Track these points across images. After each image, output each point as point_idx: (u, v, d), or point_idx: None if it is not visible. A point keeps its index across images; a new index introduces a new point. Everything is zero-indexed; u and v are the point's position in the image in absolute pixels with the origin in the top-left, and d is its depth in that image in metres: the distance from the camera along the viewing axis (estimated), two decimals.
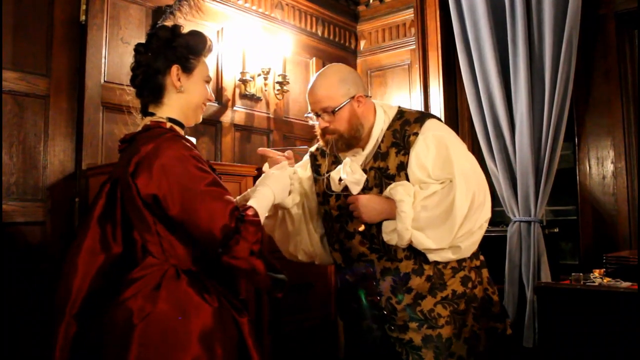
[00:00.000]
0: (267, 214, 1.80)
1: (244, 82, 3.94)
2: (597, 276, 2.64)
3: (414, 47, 4.48)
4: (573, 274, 2.59)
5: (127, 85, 3.31)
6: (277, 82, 4.13)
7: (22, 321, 2.70)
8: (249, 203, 1.72)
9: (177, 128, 1.80)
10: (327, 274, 3.58)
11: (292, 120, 4.34)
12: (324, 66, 4.58)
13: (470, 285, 2.09)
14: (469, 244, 1.99)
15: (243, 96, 3.98)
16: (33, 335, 2.66)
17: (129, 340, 1.52)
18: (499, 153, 3.73)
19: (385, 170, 2.05)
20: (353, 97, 2.04)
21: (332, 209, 2.14)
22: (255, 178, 3.20)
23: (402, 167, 2.03)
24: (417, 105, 4.41)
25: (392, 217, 1.97)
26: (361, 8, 4.97)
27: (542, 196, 3.57)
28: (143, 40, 3.16)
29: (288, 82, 4.16)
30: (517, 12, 3.66)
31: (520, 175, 3.63)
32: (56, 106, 3.03)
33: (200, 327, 1.57)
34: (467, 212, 1.92)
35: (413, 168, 2.01)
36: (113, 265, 1.67)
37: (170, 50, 1.80)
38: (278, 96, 4.16)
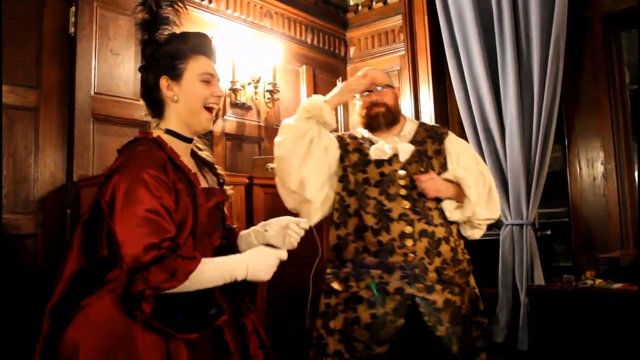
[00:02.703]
0: (220, 283, 1.65)
1: (234, 91, 3.95)
2: (588, 278, 2.65)
3: (404, 53, 4.50)
4: (565, 275, 2.61)
5: (117, 96, 3.33)
6: (268, 91, 4.14)
7: (12, 333, 2.68)
8: (218, 259, 1.67)
9: (167, 139, 1.76)
10: (319, 282, 3.58)
11: None
12: (314, 74, 4.66)
13: (470, 269, 2.42)
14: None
15: (233, 105, 3.99)
16: (24, 348, 2.63)
17: None
18: (489, 156, 3.74)
19: (425, 152, 2.43)
20: (394, 87, 2.55)
21: (372, 175, 2.36)
22: (247, 187, 3.20)
23: (439, 153, 2.46)
24: (407, 110, 4.42)
25: (450, 196, 2.35)
26: (350, 15, 4.99)
27: (533, 199, 3.59)
28: (132, 51, 3.17)
29: (278, 91, 4.17)
30: (505, 16, 3.69)
31: (511, 178, 3.64)
32: (46, 118, 3.03)
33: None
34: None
35: (460, 153, 2.47)
36: (96, 266, 1.64)
37: (155, 63, 1.79)
38: (269, 104, 4.17)
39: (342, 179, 2.40)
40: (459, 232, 2.45)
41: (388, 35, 4.76)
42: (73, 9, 3.17)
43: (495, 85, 3.78)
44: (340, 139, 2.49)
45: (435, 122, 4.21)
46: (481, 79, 3.79)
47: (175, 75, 1.78)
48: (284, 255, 1.76)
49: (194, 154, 1.93)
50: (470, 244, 2.49)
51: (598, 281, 2.60)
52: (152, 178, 1.60)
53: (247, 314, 1.85)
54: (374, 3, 4.83)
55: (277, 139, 2.41)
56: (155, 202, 1.57)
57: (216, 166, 1.98)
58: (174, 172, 1.68)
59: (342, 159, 2.43)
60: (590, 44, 3.72)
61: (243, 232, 2.00)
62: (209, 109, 1.81)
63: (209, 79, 1.80)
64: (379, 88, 2.47)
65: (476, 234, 2.46)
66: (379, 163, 2.37)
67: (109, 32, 3.32)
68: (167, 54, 1.79)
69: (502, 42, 3.72)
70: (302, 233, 1.91)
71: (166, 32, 1.86)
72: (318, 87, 4.69)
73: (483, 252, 3.68)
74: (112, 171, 1.64)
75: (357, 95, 2.51)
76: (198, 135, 1.96)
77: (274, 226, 1.91)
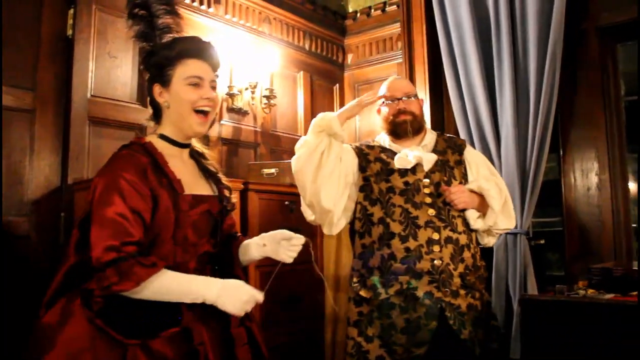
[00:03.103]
0: (183, 300, 1.63)
1: (231, 95, 3.95)
2: (581, 288, 2.66)
3: (401, 60, 4.51)
4: (557, 285, 2.62)
5: (113, 100, 3.33)
6: (265, 96, 4.14)
7: (5, 334, 2.66)
8: (186, 276, 1.66)
9: (160, 144, 1.80)
10: (315, 287, 3.58)
11: (279, 133, 4.36)
12: (311, 80, 4.67)
13: (486, 275, 2.54)
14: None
15: (230, 110, 3.99)
16: (17, 349, 2.63)
17: None
18: None
19: (447, 162, 2.52)
20: (419, 98, 2.66)
21: (397, 184, 2.43)
22: (242, 192, 3.21)
23: (459, 163, 2.56)
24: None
25: (475, 207, 2.44)
26: (348, 22, 5.01)
27: (528, 208, 3.59)
28: (130, 54, 3.19)
29: (275, 96, 4.18)
30: (502, 27, 3.70)
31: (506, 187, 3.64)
32: (42, 120, 3.03)
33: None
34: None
35: (479, 164, 2.59)
36: (85, 265, 1.65)
37: (148, 71, 1.84)
38: (265, 110, 4.18)
39: (364, 188, 2.47)
40: (477, 240, 2.56)
41: (386, 43, 4.77)
42: (71, 11, 3.18)
43: (491, 94, 3.79)
44: (358, 149, 2.55)
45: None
46: (478, 88, 3.80)
47: (165, 82, 1.81)
48: (260, 297, 1.72)
49: (198, 161, 1.94)
50: (482, 251, 2.55)
51: (590, 291, 2.61)
52: (127, 182, 1.63)
53: (245, 324, 1.85)
54: (372, 11, 4.85)
55: (293, 157, 2.48)
56: (125, 205, 1.60)
57: (220, 176, 1.99)
58: (156, 177, 1.70)
59: (362, 168, 2.49)
60: (586, 56, 3.74)
61: (244, 242, 1.99)
62: (199, 112, 1.81)
63: (196, 82, 1.81)
64: (404, 98, 2.55)
65: (491, 241, 2.59)
66: (403, 172, 2.44)
67: (107, 35, 3.32)
68: (156, 61, 1.83)
69: (499, 52, 3.73)
70: (296, 249, 1.91)
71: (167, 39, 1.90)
72: (315, 93, 4.70)
73: None
74: (97, 173, 1.71)
75: (384, 101, 2.59)
76: (204, 144, 2.00)
77: (270, 240, 1.91)
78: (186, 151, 1.90)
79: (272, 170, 3.50)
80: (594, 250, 3.61)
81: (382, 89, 2.65)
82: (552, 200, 3.90)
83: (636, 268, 3.00)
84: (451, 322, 2.27)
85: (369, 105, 2.56)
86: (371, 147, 2.58)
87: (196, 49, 1.84)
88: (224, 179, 2.00)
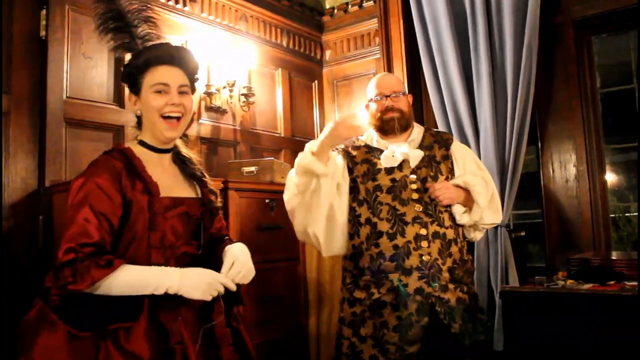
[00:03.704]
0: (146, 292, 1.66)
1: (209, 94, 3.93)
2: (560, 278, 2.69)
3: (379, 56, 4.52)
4: (536, 277, 2.65)
5: (90, 101, 3.29)
6: (243, 94, 4.12)
7: None
8: (147, 268, 1.69)
9: (138, 150, 1.85)
10: (295, 286, 3.58)
11: (259, 131, 4.34)
12: (290, 77, 4.66)
13: (474, 268, 2.59)
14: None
15: (208, 109, 3.97)
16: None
17: None
18: None
19: (433, 157, 2.54)
20: (407, 94, 2.64)
21: (383, 182, 2.44)
22: (222, 191, 3.19)
23: (446, 158, 2.57)
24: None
25: (460, 202, 2.46)
26: (326, 18, 5.00)
27: (507, 200, 3.63)
28: (105, 55, 3.17)
29: (254, 94, 4.16)
30: (478, 21, 3.73)
31: None
32: (17, 123, 2.98)
33: None
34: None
35: (466, 159, 2.59)
36: None
37: (123, 82, 1.91)
38: (244, 108, 4.16)
39: (352, 190, 2.49)
40: (463, 234, 2.58)
41: (364, 38, 4.77)
42: (44, 12, 3.12)
43: (469, 88, 3.82)
44: (345, 152, 2.56)
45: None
46: (456, 82, 3.83)
47: (136, 91, 1.87)
48: (224, 280, 1.75)
49: (182, 166, 1.96)
50: (468, 245, 2.58)
51: (569, 282, 2.64)
52: (96, 186, 1.68)
53: (232, 324, 1.86)
54: (349, 7, 4.84)
55: (284, 195, 2.49)
56: (89, 209, 1.65)
57: (205, 180, 2.01)
58: (131, 181, 1.74)
59: (350, 170, 2.51)
60: (562, 49, 3.78)
61: (227, 247, 1.98)
62: (167, 118, 1.84)
63: (161, 89, 1.83)
64: (392, 95, 2.55)
65: (478, 236, 2.62)
66: (389, 170, 2.46)
67: (81, 35, 3.28)
68: (127, 72, 1.87)
69: (476, 47, 3.76)
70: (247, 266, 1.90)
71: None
72: (294, 90, 4.69)
73: None
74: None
75: (372, 98, 2.59)
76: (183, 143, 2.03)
77: (224, 269, 1.86)
78: (166, 156, 1.93)
79: (252, 169, 3.49)
80: (574, 241, 3.66)
81: (371, 86, 2.66)
82: (532, 192, 3.94)
83: (614, 257, 3.04)
84: (441, 316, 2.29)
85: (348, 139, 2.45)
86: (357, 148, 2.59)
87: (162, 55, 1.86)
88: (211, 183, 2.01)
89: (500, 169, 3.64)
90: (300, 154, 2.40)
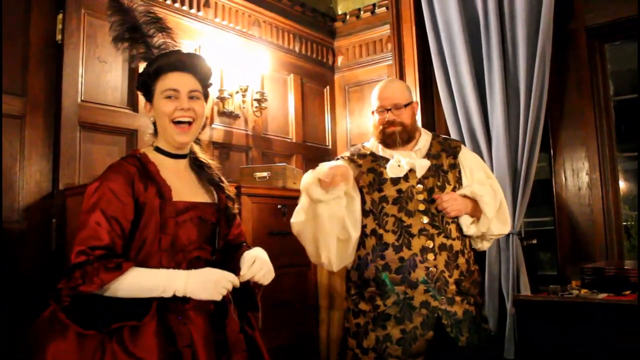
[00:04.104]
0: (154, 295, 1.67)
1: (222, 99, 3.94)
2: (574, 288, 2.67)
3: (391, 62, 4.52)
4: (551, 286, 2.63)
5: (104, 105, 3.31)
6: (255, 99, 4.14)
7: None
8: (155, 271, 1.70)
9: (153, 155, 1.87)
10: (305, 292, 3.58)
11: (270, 137, 4.35)
12: (302, 83, 4.66)
13: (480, 279, 2.52)
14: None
15: (221, 114, 3.98)
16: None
17: None
18: None
19: (441, 166, 2.48)
20: (412, 102, 2.54)
21: (390, 192, 2.40)
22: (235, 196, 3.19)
23: (454, 167, 2.51)
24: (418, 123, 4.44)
25: (468, 213, 2.41)
26: (338, 24, 5.01)
27: (519, 208, 3.61)
28: (120, 59, 3.20)
29: (266, 99, 4.18)
30: (491, 27, 3.72)
31: None
32: (32, 126, 3.01)
33: None
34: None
35: (473, 168, 2.54)
36: None
37: (139, 91, 1.95)
38: (256, 113, 4.17)
39: None
40: (470, 244, 2.53)
41: (376, 44, 4.78)
42: (60, 16, 3.15)
43: (482, 95, 3.80)
44: (351, 161, 2.51)
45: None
46: (468, 89, 3.82)
47: (150, 98, 1.91)
48: (231, 277, 1.75)
49: (200, 172, 1.98)
50: (475, 255, 2.54)
51: (584, 291, 2.62)
52: (109, 190, 1.72)
53: (247, 332, 1.86)
54: (362, 13, 4.85)
55: (292, 219, 2.41)
56: (101, 213, 1.68)
57: (223, 185, 2.02)
58: (143, 185, 1.76)
59: (356, 180, 2.44)
60: (575, 56, 3.76)
61: (245, 253, 1.98)
62: (178, 123, 1.86)
63: (171, 95, 1.86)
64: (393, 109, 2.46)
65: (486, 245, 2.57)
66: (396, 180, 2.41)
67: (96, 39, 3.30)
68: (142, 80, 1.91)
69: (488, 53, 3.75)
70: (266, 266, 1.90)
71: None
72: (306, 95, 4.70)
73: None
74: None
75: (375, 109, 2.53)
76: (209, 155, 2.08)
77: (244, 267, 1.87)
78: (182, 162, 1.95)
79: (265, 174, 3.49)
80: (586, 249, 3.63)
81: (374, 96, 2.59)
82: (544, 199, 3.92)
83: (628, 267, 3.02)
84: (448, 329, 2.26)
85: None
86: (363, 156, 2.54)
87: (173, 62, 1.88)
88: (229, 189, 2.02)
89: (513, 176, 3.62)
90: (303, 178, 2.35)
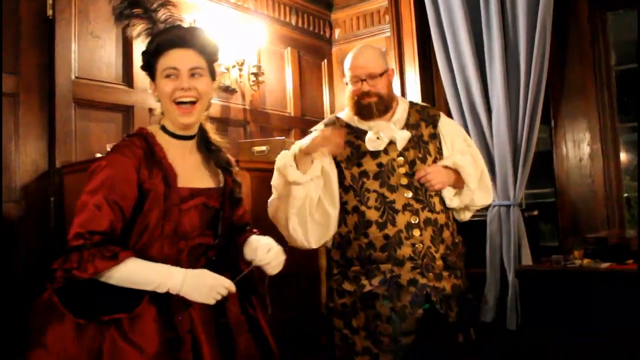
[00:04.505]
0: (147, 288, 1.65)
1: (218, 74, 3.89)
2: (576, 257, 2.67)
3: (389, 34, 4.47)
4: (553, 256, 2.63)
5: (99, 81, 3.26)
6: (252, 73, 4.09)
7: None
8: (153, 265, 1.66)
9: (160, 136, 1.81)
10: (309, 263, 3.56)
11: (268, 111, 4.31)
12: (299, 56, 4.60)
13: (464, 250, 2.44)
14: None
15: (218, 88, 3.93)
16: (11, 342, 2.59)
17: None
18: (476, 138, 3.73)
19: (421, 137, 2.38)
20: (387, 70, 2.38)
21: (370, 167, 2.29)
22: None
23: (434, 137, 2.41)
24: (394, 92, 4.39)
25: (451, 184, 2.33)
26: None
27: (520, 180, 3.60)
28: (114, 34, 3.12)
29: (263, 73, 4.13)
30: None
31: (498, 159, 3.64)
32: (26, 104, 2.96)
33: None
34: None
35: (454, 137, 2.43)
36: None
37: (144, 70, 1.86)
38: (253, 87, 4.12)
39: (337, 175, 2.33)
40: (453, 216, 2.45)
41: (373, 16, 4.71)
42: None
43: (481, 66, 3.76)
44: None
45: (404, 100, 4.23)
46: (467, 60, 3.77)
47: (153, 77, 1.82)
48: (227, 284, 1.71)
49: (206, 154, 1.91)
50: (458, 225, 2.49)
51: (586, 261, 2.62)
52: (113, 173, 1.66)
53: (249, 312, 1.84)
54: None
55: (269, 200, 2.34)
56: (102, 196, 1.63)
57: (231, 169, 1.95)
58: (149, 169, 1.71)
59: (333, 155, 2.31)
60: (576, 25, 3.71)
61: (251, 239, 1.95)
62: (180, 104, 1.78)
63: (170, 73, 1.77)
64: (368, 79, 2.32)
65: (467, 216, 2.49)
66: (375, 153, 2.30)
67: (88, 14, 3.24)
68: (145, 59, 1.83)
69: (488, 23, 3.70)
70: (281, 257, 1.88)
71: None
72: (303, 69, 4.65)
73: (471, 233, 3.69)
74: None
75: (348, 80, 2.39)
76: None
77: (260, 252, 1.86)
78: (189, 143, 1.86)
79: (263, 148, 3.45)
80: (587, 220, 3.63)
81: (346, 67, 2.42)
82: (544, 171, 3.90)
83: (630, 237, 3.02)
84: (438, 306, 2.21)
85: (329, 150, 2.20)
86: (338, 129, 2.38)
87: (172, 38, 1.79)
88: (236, 173, 1.96)
89: (513, 148, 3.60)
90: (278, 158, 2.27)
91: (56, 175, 2.98)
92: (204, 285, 1.66)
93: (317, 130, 2.33)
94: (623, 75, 3.80)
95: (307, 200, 2.21)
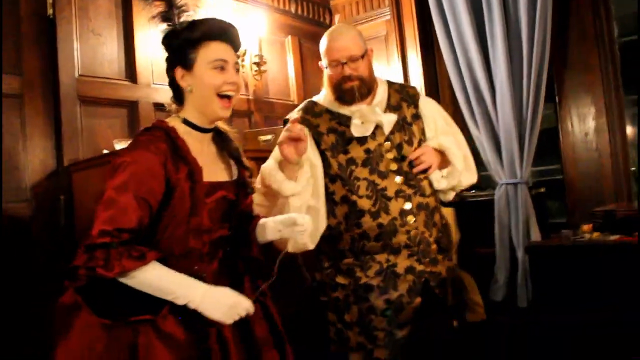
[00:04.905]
0: (165, 297, 1.61)
1: None
2: (585, 231, 2.67)
3: (389, 17, 4.45)
4: (562, 231, 2.63)
5: (102, 77, 3.27)
6: (254, 63, 4.09)
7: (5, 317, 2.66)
8: (176, 274, 1.63)
9: (182, 129, 1.76)
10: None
11: (272, 100, 4.31)
12: (300, 44, 4.59)
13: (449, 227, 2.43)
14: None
15: None
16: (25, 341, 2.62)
17: None
18: (481, 118, 3.73)
19: (405, 119, 2.30)
20: (367, 51, 2.28)
21: (357, 154, 2.21)
22: None
23: (416, 117, 2.34)
24: (396, 75, 4.39)
25: (439, 165, 2.27)
26: None
27: (526, 157, 3.59)
28: (115, 31, 3.10)
29: (265, 62, 4.13)
30: None
31: (503, 138, 3.64)
32: (31, 104, 2.97)
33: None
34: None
35: (435, 117, 2.37)
36: None
37: (171, 54, 1.78)
38: (256, 77, 4.13)
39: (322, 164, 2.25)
40: (439, 198, 2.41)
41: (373, 0, 4.69)
42: None
43: (484, 46, 3.74)
44: (305, 121, 2.26)
45: (425, 87, 4.22)
46: (469, 41, 3.76)
47: (188, 65, 1.75)
48: (246, 304, 1.67)
49: (220, 144, 1.90)
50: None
51: (595, 234, 2.63)
52: (141, 169, 1.62)
53: (259, 299, 1.85)
54: None
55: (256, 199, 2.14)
56: (131, 192, 1.59)
57: (244, 159, 1.93)
58: (174, 164, 1.67)
59: (317, 142, 2.25)
60: (578, 1, 3.69)
61: (261, 222, 1.93)
62: (224, 97, 1.75)
63: (221, 65, 1.73)
64: (349, 62, 2.20)
65: (451, 196, 2.43)
66: (362, 139, 2.22)
67: (88, 12, 3.24)
68: (178, 44, 1.76)
69: (489, 3, 3.68)
70: (306, 233, 1.85)
71: (188, 18, 1.83)
72: (305, 57, 4.64)
73: (479, 212, 3.71)
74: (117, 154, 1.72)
75: (325, 64, 2.28)
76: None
77: (284, 225, 1.85)
78: (207, 135, 1.85)
79: (269, 137, 3.46)
80: (595, 195, 3.62)
81: (323, 49, 2.29)
82: (550, 148, 3.90)
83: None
84: (437, 291, 2.19)
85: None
86: (318, 115, 2.30)
87: (219, 31, 1.77)
88: (247, 163, 1.96)
89: (518, 125, 3.59)
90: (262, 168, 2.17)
91: (64, 174, 3.00)
92: (224, 305, 1.63)
93: (290, 118, 2.19)
94: (627, 46, 3.77)
95: (303, 208, 2.14)
